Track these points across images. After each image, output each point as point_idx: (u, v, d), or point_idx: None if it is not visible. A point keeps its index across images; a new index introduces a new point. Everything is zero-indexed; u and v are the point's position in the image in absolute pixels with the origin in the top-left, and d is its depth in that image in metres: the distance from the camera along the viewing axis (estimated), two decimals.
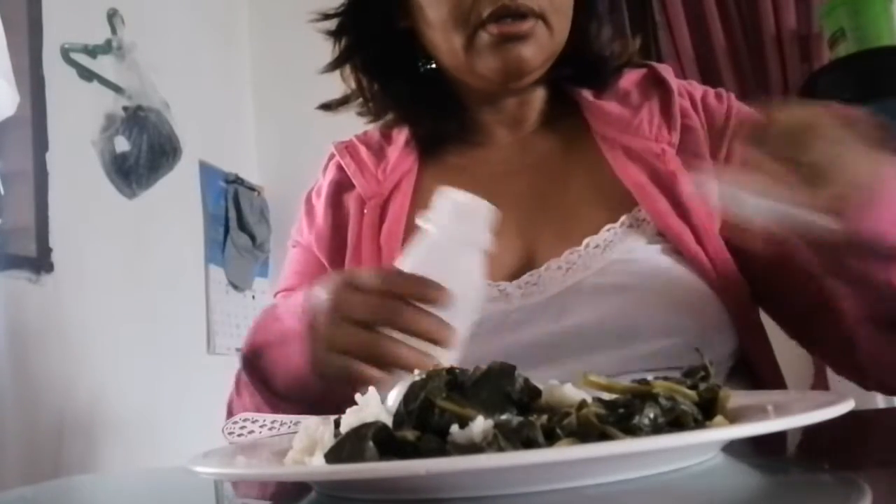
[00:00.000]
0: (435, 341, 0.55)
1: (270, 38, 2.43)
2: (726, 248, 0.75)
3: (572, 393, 0.43)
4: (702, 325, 0.70)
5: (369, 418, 0.42)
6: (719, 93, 0.83)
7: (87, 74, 1.80)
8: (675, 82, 0.82)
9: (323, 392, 0.60)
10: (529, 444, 0.38)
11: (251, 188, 2.32)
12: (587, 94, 0.84)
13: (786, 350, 0.80)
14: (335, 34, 0.87)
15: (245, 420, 0.62)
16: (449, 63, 0.81)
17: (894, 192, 0.55)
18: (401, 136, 0.88)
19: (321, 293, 0.60)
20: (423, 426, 0.41)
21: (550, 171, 0.83)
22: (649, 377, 0.46)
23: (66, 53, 1.76)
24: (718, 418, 0.43)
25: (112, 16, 1.89)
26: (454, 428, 0.39)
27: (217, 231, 2.18)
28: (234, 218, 2.22)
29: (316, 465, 0.41)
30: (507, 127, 0.86)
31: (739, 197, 0.55)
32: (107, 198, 1.83)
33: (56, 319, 1.63)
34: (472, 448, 0.38)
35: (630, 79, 0.85)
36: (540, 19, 0.75)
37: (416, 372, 0.47)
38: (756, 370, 0.76)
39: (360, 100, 0.89)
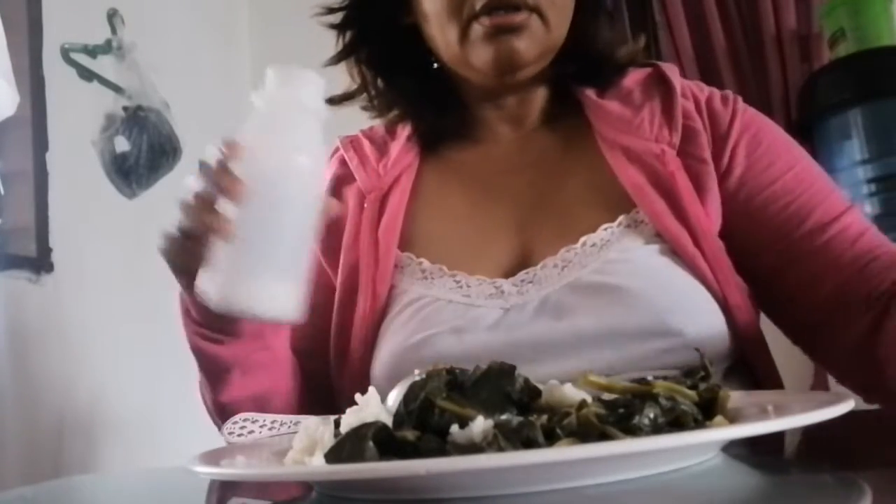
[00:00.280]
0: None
1: (270, 38, 2.42)
2: (725, 250, 0.75)
3: (572, 393, 0.44)
4: (698, 326, 0.70)
5: (369, 418, 0.42)
6: (725, 95, 0.82)
7: (87, 74, 1.80)
8: (679, 82, 0.81)
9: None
10: (529, 444, 0.38)
11: None
12: (590, 93, 0.84)
13: (785, 350, 0.80)
14: (340, 27, 0.87)
15: (245, 420, 0.63)
16: (446, 56, 0.81)
17: None
18: (404, 131, 0.88)
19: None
20: (423, 426, 0.41)
21: (550, 169, 0.82)
22: (649, 377, 0.46)
23: (66, 53, 1.76)
24: (718, 418, 0.43)
25: (112, 16, 1.89)
26: (454, 428, 0.39)
27: None
28: None
29: (316, 465, 0.41)
30: (508, 124, 0.86)
31: None
32: (107, 198, 1.82)
33: (56, 319, 1.63)
34: (472, 448, 0.38)
35: (634, 78, 0.84)
36: (534, 12, 0.75)
37: (417, 372, 0.47)
38: (753, 370, 0.76)
39: (365, 95, 0.89)
